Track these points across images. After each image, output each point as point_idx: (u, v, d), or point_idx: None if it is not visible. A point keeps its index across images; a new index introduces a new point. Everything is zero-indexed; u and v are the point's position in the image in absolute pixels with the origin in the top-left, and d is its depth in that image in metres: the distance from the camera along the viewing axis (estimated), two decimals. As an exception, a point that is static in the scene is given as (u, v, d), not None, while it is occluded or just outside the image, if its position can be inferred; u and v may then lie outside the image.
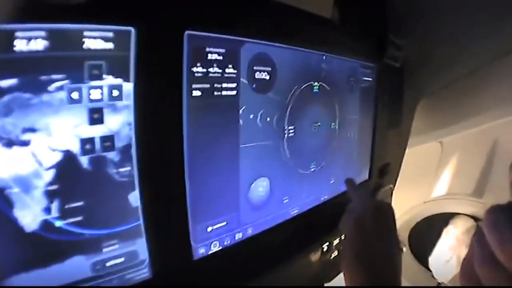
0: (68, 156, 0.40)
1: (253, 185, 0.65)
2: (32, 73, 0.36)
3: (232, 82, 0.56)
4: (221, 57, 0.53)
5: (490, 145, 1.32)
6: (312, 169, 0.80)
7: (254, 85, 0.60)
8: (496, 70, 1.00)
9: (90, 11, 0.39)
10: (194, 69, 0.50)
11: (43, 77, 0.37)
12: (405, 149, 1.25)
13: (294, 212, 0.78)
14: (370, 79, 0.97)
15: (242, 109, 0.59)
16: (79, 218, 0.42)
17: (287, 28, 0.65)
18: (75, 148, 0.40)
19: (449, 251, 1.47)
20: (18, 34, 0.34)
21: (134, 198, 0.46)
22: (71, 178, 0.41)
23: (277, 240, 0.72)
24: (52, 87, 0.38)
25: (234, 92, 0.57)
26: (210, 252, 0.59)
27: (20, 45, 0.35)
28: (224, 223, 0.60)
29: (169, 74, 0.47)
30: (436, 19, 0.93)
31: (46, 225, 0.39)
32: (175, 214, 0.52)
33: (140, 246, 0.48)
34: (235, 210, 0.62)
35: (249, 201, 0.65)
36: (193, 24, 0.49)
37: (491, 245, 0.32)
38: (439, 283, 1.55)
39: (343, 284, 0.60)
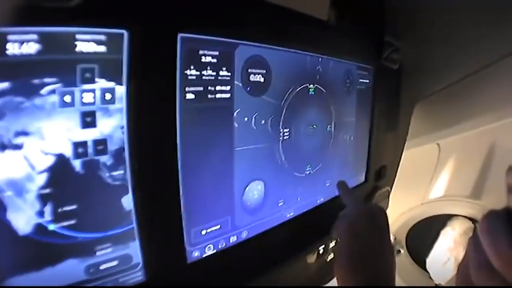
0: (61, 160, 0.40)
1: (247, 188, 0.65)
2: (25, 77, 0.36)
3: (226, 85, 0.56)
4: (215, 60, 0.53)
5: (488, 147, 1.32)
6: (308, 172, 0.80)
7: (248, 88, 0.60)
8: (494, 72, 1.00)
9: (83, 14, 0.39)
10: (188, 72, 0.50)
11: (36, 81, 0.37)
12: (402, 151, 1.25)
13: (290, 215, 0.78)
14: (367, 81, 0.97)
15: (237, 112, 0.59)
16: (72, 222, 0.42)
17: (282, 30, 0.65)
18: (68, 151, 0.41)
19: (447, 252, 1.47)
20: (10, 37, 0.34)
21: (127, 201, 0.46)
22: (64, 181, 0.41)
23: (273, 243, 0.72)
24: (44, 90, 0.38)
25: (228, 95, 0.57)
26: (204, 255, 0.59)
27: (12, 49, 0.35)
28: (218, 226, 0.60)
29: (162, 77, 0.47)
30: (434, 21, 0.94)
31: (40, 228, 0.39)
32: (168, 218, 0.52)
33: (134, 250, 0.48)
34: (230, 213, 0.62)
35: (244, 204, 0.65)
36: (186, 27, 0.49)
37: (486, 251, 0.33)
38: (436, 284, 1.55)
39: (341, 286, 0.60)
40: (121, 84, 0.43)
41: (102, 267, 0.46)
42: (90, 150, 0.42)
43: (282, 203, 0.74)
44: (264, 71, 0.63)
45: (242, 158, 0.62)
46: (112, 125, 0.43)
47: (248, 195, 0.65)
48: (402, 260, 1.65)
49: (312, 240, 0.82)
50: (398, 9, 0.95)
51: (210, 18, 0.53)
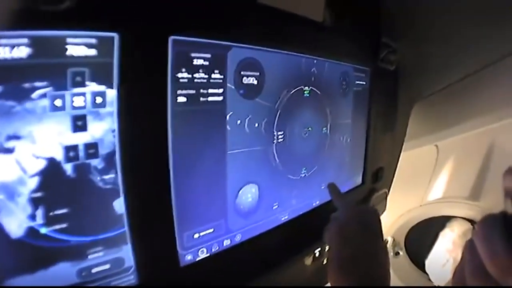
0: (52, 164, 0.41)
1: (241, 191, 0.65)
2: (15, 81, 0.37)
3: (219, 88, 0.56)
4: (207, 63, 0.54)
5: (486, 148, 1.32)
6: (303, 175, 0.81)
7: (241, 91, 0.60)
8: (493, 73, 1.00)
9: (73, 18, 0.39)
10: (179, 75, 0.50)
11: (26, 85, 0.37)
12: (400, 153, 1.26)
13: (285, 218, 0.78)
14: (364, 82, 0.97)
15: (229, 115, 0.59)
16: (64, 225, 0.42)
17: (276, 32, 0.65)
18: (59, 155, 0.41)
19: (446, 254, 1.47)
20: (1, 41, 0.35)
21: (119, 205, 0.46)
22: (56, 185, 0.41)
23: (267, 247, 0.72)
24: (35, 94, 0.38)
25: (220, 98, 0.57)
26: (197, 259, 0.59)
27: (3, 53, 0.35)
28: (212, 230, 0.61)
29: (153, 80, 0.48)
30: (431, 21, 0.94)
31: (32, 232, 0.40)
32: (160, 221, 0.52)
33: (126, 253, 0.49)
34: (223, 217, 0.63)
35: (237, 207, 0.65)
36: (177, 29, 0.49)
37: (481, 257, 0.33)
38: (435, 286, 1.55)
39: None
40: (112, 88, 0.43)
41: (94, 270, 0.46)
42: (81, 153, 0.42)
43: (276, 206, 0.75)
44: (258, 74, 0.63)
45: (235, 161, 0.62)
46: (103, 128, 0.44)
47: (242, 198, 0.65)
48: (401, 262, 1.65)
49: (308, 243, 0.82)
50: (395, 10, 0.96)
51: (202, 21, 0.53)
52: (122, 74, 0.44)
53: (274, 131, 0.69)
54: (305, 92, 0.76)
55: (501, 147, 1.29)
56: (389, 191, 1.23)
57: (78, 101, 0.41)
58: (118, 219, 0.47)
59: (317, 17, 0.73)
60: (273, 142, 0.70)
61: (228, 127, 0.59)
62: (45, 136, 0.40)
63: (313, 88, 0.78)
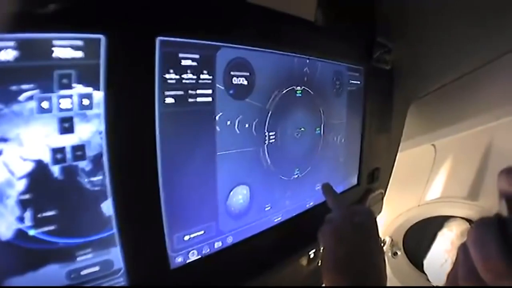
0: (40, 166, 0.41)
1: (231, 193, 0.65)
2: (3, 84, 0.37)
3: (207, 89, 0.57)
4: (195, 63, 0.54)
5: (484, 147, 1.33)
6: (296, 176, 0.81)
7: (231, 91, 0.61)
8: (490, 72, 1.00)
9: (59, 20, 0.40)
10: (167, 76, 0.51)
11: (13, 87, 0.38)
12: (396, 153, 1.26)
13: (277, 219, 0.78)
14: (358, 82, 0.98)
15: (219, 115, 0.59)
16: (52, 227, 0.43)
17: (266, 32, 0.66)
18: (46, 157, 0.41)
19: (444, 254, 1.48)
20: (-13, 45, 0.35)
21: (107, 207, 0.47)
22: (44, 187, 0.42)
23: (260, 249, 0.72)
24: (22, 97, 0.39)
25: (209, 99, 0.57)
26: (188, 261, 0.60)
27: (-11, 56, 0.36)
28: (202, 232, 0.61)
29: (140, 81, 0.48)
30: (428, 20, 0.94)
31: (20, 234, 0.41)
32: (149, 223, 0.52)
33: (115, 255, 0.49)
34: (214, 219, 0.63)
35: (228, 209, 0.65)
36: (165, 30, 0.49)
37: (474, 261, 0.33)
38: (434, 286, 1.56)
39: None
40: (99, 90, 0.44)
41: (84, 272, 0.47)
42: (68, 156, 0.43)
43: (269, 208, 0.75)
44: (248, 74, 0.63)
45: (225, 163, 0.62)
46: (90, 130, 0.44)
47: (233, 200, 0.66)
48: (399, 262, 1.65)
49: (302, 244, 0.83)
50: (390, 9, 0.96)
51: (190, 21, 0.53)
52: (109, 76, 0.44)
53: (266, 131, 0.70)
54: (297, 92, 0.76)
55: (499, 146, 1.30)
56: (385, 191, 1.23)
57: (65, 103, 0.42)
58: (106, 221, 0.47)
59: (309, 16, 0.73)
60: (265, 143, 0.70)
61: (217, 128, 0.59)
62: (32, 138, 0.40)
63: (306, 88, 0.78)
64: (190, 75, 0.54)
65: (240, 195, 0.67)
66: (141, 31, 0.47)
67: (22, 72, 0.38)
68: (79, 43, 0.42)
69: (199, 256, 0.62)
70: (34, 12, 0.38)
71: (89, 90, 0.43)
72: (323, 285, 0.85)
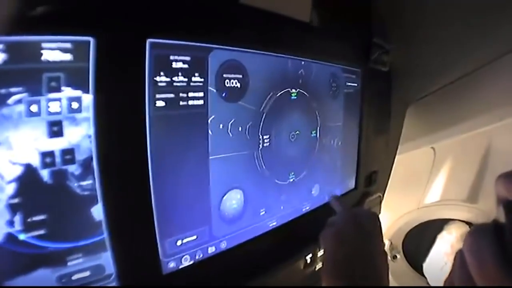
0: (29, 170, 0.41)
1: (225, 197, 0.65)
2: (-9, 87, 0.37)
3: (199, 91, 0.56)
4: (186, 65, 0.54)
5: (484, 149, 1.33)
6: (291, 180, 0.81)
7: (223, 94, 0.61)
8: (490, 73, 1.00)
9: (48, 22, 0.40)
10: (158, 79, 0.51)
11: (2, 90, 0.38)
12: (394, 156, 1.26)
13: (273, 224, 0.78)
14: (355, 84, 0.98)
15: (211, 119, 0.59)
16: (42, 231, 0.43)
17: (259, 34, 0.65)
18: (36, 161, 0.42)
19: (444, 257, 1.48)
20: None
21: (97, 211, 0.47)
22: (33, 191, 0.42)
23: (255, 254, 0.72)
24: (11, 100, 0.39)
25: (201, 102, 0.57)
26: (181, 267, 0.60)
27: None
28: (195, 236, 0.61)
29: (130, 84, 0.48)
30: (426, 21, 0.94)
31: (10, 238, 0.41)
32: (141, 228, 0.52)
33: (106, 260, 0.49)
34: (206, 223, 0.63)
35: (222, 214, 0.65)
36: (155, 32, 0.49)
37: (470, 268, 0.33)
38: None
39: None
40: (88, 93, 0.44)
41: (74, 277, 0.47)
42: (57, 159, 0.43)
43: (264, 212, 0.75)
44: (241, 76, 0.63)
45: (218, 167, 0.62)
46: (80, 134, 0.44)
47: (226, 204, 0.66)
48: (399, 265, 1.66)
49: (298, 249, 0.82)
50: (387, 10, 0.96)
51: (181, 23, 0.53)
52: (98, 79, 0.44)
53: (260, 135, 0.70)
54: (292, 94, 0.76)
55: (498, 148, 1.30)
56: (383, 195, 1.23)
57: (54, 107, 0.42)
58: (97, 226, 0.47)
59: (304, 17, 0.73)
60: (259, 147, 0.70)
61: (210, 132, 0.59)
62: (21, 142, 0.40)
63: (301, 90, 0.78)
64: (182, 78, 0.54)
65: (233, 200, 0.67)
66: (131, 33, 0.47)
67: (11, 75, 0.38)
68: (68, 45, 0.42)
69: (192, 262, 0.61)
70: (22, 15, 0.38)
71: (78, 93, 0.43)
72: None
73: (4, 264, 0.41)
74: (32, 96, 0.40)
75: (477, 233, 0.33)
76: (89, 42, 0.43)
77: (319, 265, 0.88)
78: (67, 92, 0.43)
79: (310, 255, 0.85)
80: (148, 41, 0.49)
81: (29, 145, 0.41)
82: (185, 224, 0.59)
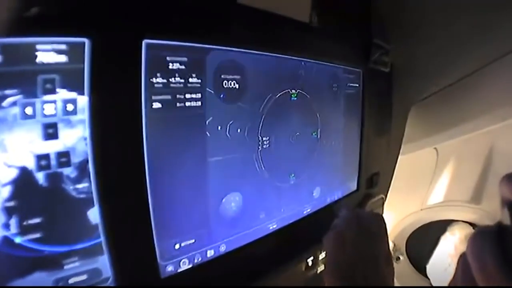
0: (24, 172, 0.41)
1: (224, 200, 0.64)
2: (-14, 89, 0.37)
3: (197, 93, 0.56)
4: (183, 66, 0.53)
5: (487, 150, 1.33)
6: (292, 182, 0.80)
7: (221, 95, 0.60)
8: (491, 74, 1.00)
9: (42, 24, 0.40)
10: (154, 80, 0.50)
11: (-3, 93, 0.38)
12: (397, 157, 1.26)
13: (273, 227, 0.77)
14: (356, 84, 0.97)
15: (209, 120, 0.58)
16: (38, 235, 0.42)
17: (258, 34, 0.65)
18: (31, 164, 0.41)
19: (447, 258, 1.48)
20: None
21: (94, 215, 0.47)
22: (28, 194, 0.42)
23: (255, 257, 0.72)
24: (5, 102, 0.39)
25: (199, 103, 0.57)
26: (179, 270, 0.59)
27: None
28: (193, 240, 0.60)
29: (126, 86, 0.47)
30: (426, 21, 0.94)
31: (6, 241, 0.40)
32: (138, 231, 0.52)
33: (103, 264, 0.49)
34: (205, 227, 0.62)
35: (221, 217, 0.65)
36: (151, 32, 0.49)
37: (473, 272, 0.32)
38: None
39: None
40: (83, 95, 0.44)
41: (71, 280, 0.46)
42: (53, 162, 0.43)
43: (264, 215, 0.74)
44: (239, 77, 0.63)
45: (216, 169, 0.61)
46: (75, 136, 0.44)
47: (225, 207, 0.65)
48: (402, 266, 1.65)
49: (299, 252, 0.82)
50: (387, 10, 0.96)
51: (177, 23, 0.53)
52: (93, 81, 0.44)
53: (259, 136, 0.69)
54: (293, 95, 0.75)
55: (502, 149, 1.30)
56: (386, 196, 1.23)
57: (49, 109, 0.42)
58: (93, 229, 0.47)
59: (303, 18, 0.73)
60: (258, 148, 0.69)
61: (208, 133, 0.59)
62: (16, 145, 0.40)
63: (301, 91, 0.77)
64: (179, 79, 0.53)
65: (232, 203, 0.67)
66: (126, 33, 0.47)
67: (5, 77, 0.38)
68: (63, 47, 0.42)
69: (191, 265, 0.61)
70: (16, 16, 0.38)
71: (73, 95, 0.43)
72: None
73: (1, 267, 0.41)
74: (27, 98, 0.40)
75: (479, 236, 0.33)
76: (84, 43, 0.43)
77: (321, 268, 0.87)
78: (62, 94, 0.42)
79: (312, 258, 0.85)
80: (144, 42, 0.48)
81: (24, 147, 0.41)
82: (183, 227, 0.59)
